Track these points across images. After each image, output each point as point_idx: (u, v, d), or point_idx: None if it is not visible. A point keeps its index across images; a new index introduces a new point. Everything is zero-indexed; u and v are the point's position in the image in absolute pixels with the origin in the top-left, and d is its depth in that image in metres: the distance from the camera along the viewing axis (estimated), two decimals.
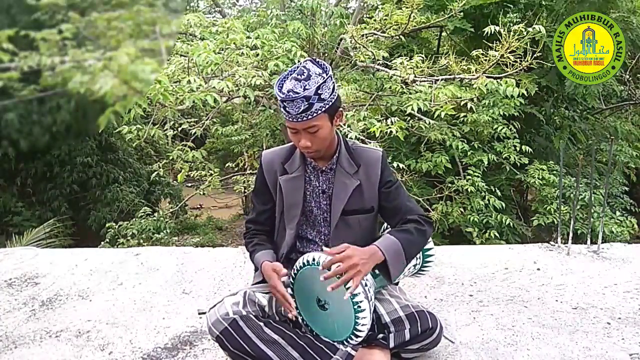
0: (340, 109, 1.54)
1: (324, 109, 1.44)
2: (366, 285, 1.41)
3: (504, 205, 5.35)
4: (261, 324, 1.45)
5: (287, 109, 1.44)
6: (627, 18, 5.71)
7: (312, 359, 1.44)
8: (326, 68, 1.46)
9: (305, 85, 1.42)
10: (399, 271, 1.48)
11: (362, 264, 1.36)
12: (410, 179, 5.46)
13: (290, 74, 1.47)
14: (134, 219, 6.10)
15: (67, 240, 7.50)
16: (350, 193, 1.56)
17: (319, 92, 1.42)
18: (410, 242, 1.49)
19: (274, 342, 1.44)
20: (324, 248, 1.42)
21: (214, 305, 1.51)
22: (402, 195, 1.63)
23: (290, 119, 1.45)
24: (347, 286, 1.36)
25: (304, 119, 1.43)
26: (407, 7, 5.01)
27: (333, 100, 1.47)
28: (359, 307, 1.37)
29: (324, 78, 1.43)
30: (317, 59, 1.50)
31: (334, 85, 1.48)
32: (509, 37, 4.18)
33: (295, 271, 1.48)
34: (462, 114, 5.05)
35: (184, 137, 5.68)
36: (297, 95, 1.40)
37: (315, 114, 1.43)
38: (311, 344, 1.46)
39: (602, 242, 2.76)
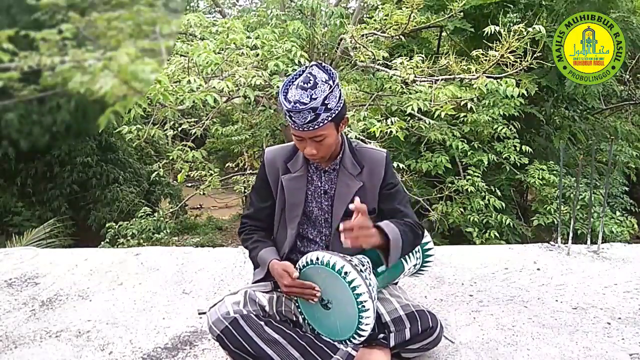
0: (346, 115, 1.53)
1: (330, 118, 1.43)
2: (370, 285, 1.40)
3: (504, 205, 5.35)
4: (262, 323, 1.45)
5: (293, 118, 1.42)
6: (627, 18, 5.71)
7: (313, 358, 1.44)
8: (333, 75, 1.44)
9: (312, 94, 1.40)
10: (395, 259, 1.48)
11: (369, 238, 1.38)
12: (410, 179, 5.46)
13: (296, 79, 1.45)
14: (134, 219, 6.10)
15: (67, 240, 7.50)
16: (353, 195, 1.55)
17: (325, 102, 1.40)
18: (408, 238, 1.50)
19: (275, 342, 1.43)
20: (354, 203, 1.38)
21: (215, 305, 1.51)
22: (400, 200, 1.62)
23: (296, 128, 1.44)
24: (346, 280, 1.37)
25: (310, 128, 1.42)
26: (407, 7, 5.01)
27: (339, 109, 1.45)
28: (363, 306, 1.37)
29: (330, 86, 1.41)
30: (324, 64, 1.47)
31: (340, 93, 1.46)
32: (509, 37, 4.18)
33: (298, 270, 1.48)
34: (462, 114, 5.06)
35: (184, 137, 5.68)
36: (304, 106, 1.39)
37: (321, 124, 1.42)
38: (312, 344, 1.46)
39: (602, 242, 2.76)
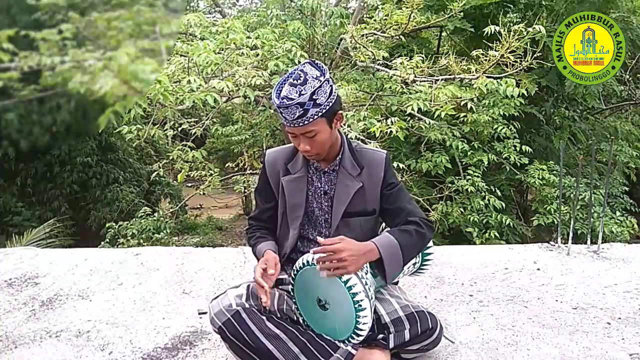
0: (340, 111, 1.53)
1: (320, 114, 1.43)
2: (366, 284, 1.41)
3: (504, 205, 5.35)
4: (264, 317, 1.46)
5: (283, 114, 1.44)
6: (627, 18, 5.71)
7: (313, 355, 1.44)
8: (324, 71, 1.45)
9: (301, 90, 1.41)
10: (396, 271, 1.47)
11: (351, 260, 1.36)
12: (410, 179, 5.46)
13: (288, 79, 1.46)
14: (134, 219, 6.10)
15: (67, 240, 7.50)
16: (352, 195, 1.56)
17: (314, 97, 1.40)
18: (409, 244, 1.48)
19: (276, 337, 1.44)
20: (319, 239, 1.39)
21: (217, 297, 1.52)
22: (404, 198, 1.62)
23: (288, 124, 1.46)
24: (342, 280, 1.37)
25: (300, 124, 1.43)
26: (407, 7, 5.01)
27: (330, 105, 1.45)
28: (360, 306, 1.37)
29: (320, 82, 1.42)
30: (317, 61, 1.49)
31: (331, 89, 1.46)
32: (509, 37, 4.18)
33: (296, 271, 1.48)
34: (462, 114, 5.05)
35: (184, 137, 5.68)
36: (291, 102, 1.40)
37: (311, 119, 1.43)
38: (312, 341, 1.46)
39: (602, 242, 2.76)
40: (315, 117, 1.43)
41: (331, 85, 1.46)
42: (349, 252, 1.36)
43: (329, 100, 1.45)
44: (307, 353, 1.44)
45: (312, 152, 1.50)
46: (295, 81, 1.43)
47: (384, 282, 1.54)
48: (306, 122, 1.43)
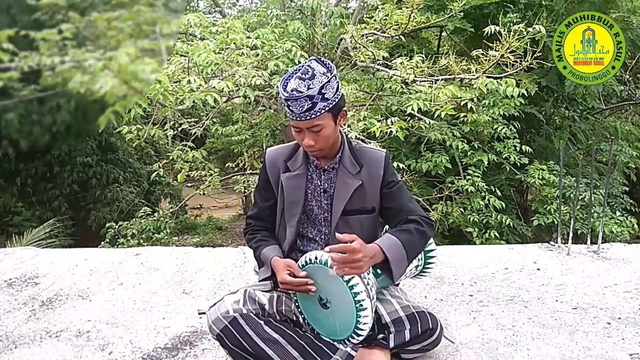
0: (344, 109, 1.54)
1: (327, 108, 1.45)
2: (368, 284, 1.41)
3: (504, 205, 5.35)
4: (261, 322, 1.46)
5: (290, 107, 1.44)
6: (627, 18, 5.71)
7: (312, 358, 1.44)
8: (331, 67, 1.47)
9: (309, 84, 1.43)
10: (401, 271, 1.48)
11: (364, 262, 1.36)
12: (410, 179, 5.46)
13: (295, 73, 1.48)
14: (134, 219, 6.10)
15: (67, 240, 7.50)
16: (351, 193, 1.57)
17: (322, 91, 1.42)
18: (411, 243, 1.49)
19: (274, 341, 1.44)
20: (337, 235, 1.36)
21: (215, 304, 1.51)
22: (404, 196, 1.62)
23: (294, 118, 1.46)
24: (344, 279, 1.37)
25: (307, 118, 1.44)
26: (407, 7, 5.01)
27: (337, 100, 1.47)
28: (361, 305, 1.37)
29: (328, 77, 1.44)
30: (322, 59, 1.50)
31: (338, 85, 1.48)
32: (509, 37, 4.18)
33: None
34: (462, 114, 5.05)
35: (184, 137, 5.68)
36: (300, 94, 1.41)
37: (318, 113, 1.44)
38: (311, 343, 1.46)
39: (602, 242, 2.76)
40: (323, 111, 1.44)
41: (337, 82, 1.48)
42: (364, 253, 1.35)
43: (335, 95, 1.47)
44: (306, 356, 1.44)
45: (316, 147, 1.50)
46: (303, 75, 1.44)
47: (387, 282, 1.54)
48: (313, 115, 1.44)
